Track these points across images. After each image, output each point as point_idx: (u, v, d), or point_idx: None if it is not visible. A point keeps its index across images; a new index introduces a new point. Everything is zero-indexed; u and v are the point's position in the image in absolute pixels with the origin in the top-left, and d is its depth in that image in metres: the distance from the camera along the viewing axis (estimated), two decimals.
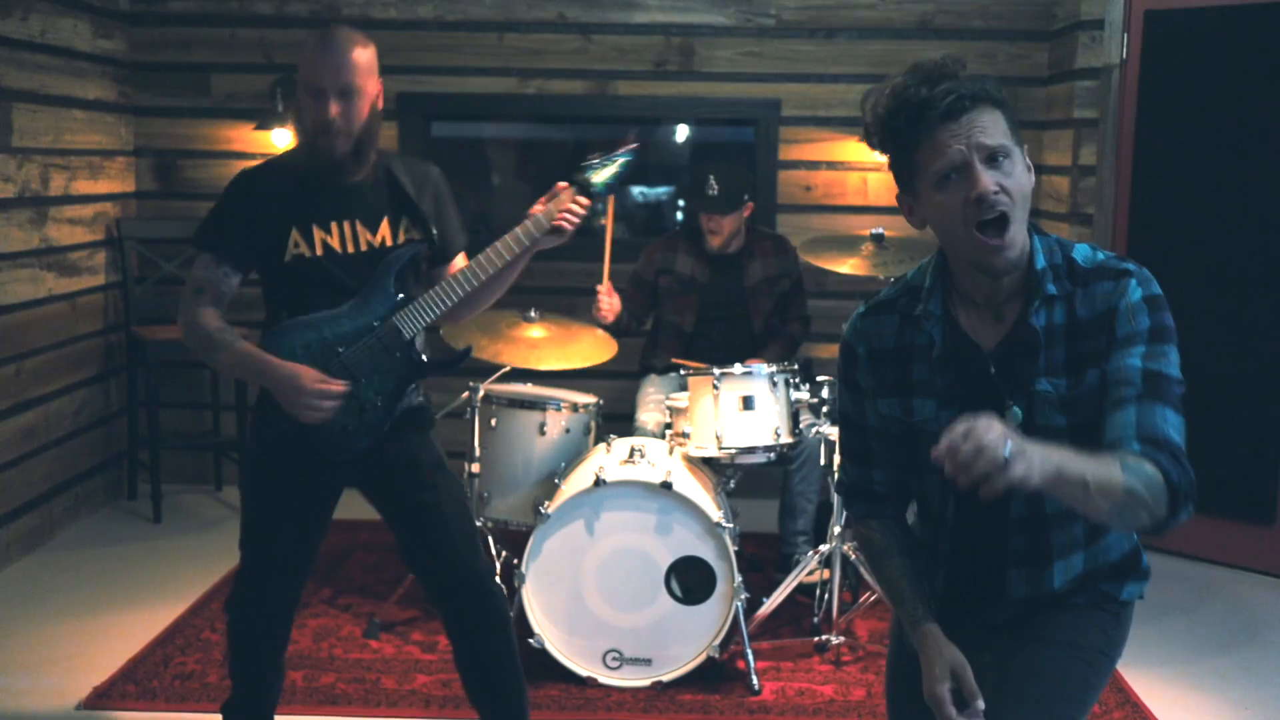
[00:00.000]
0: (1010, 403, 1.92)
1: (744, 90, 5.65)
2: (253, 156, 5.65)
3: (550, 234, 2.89)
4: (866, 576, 4.00)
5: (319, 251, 2.81)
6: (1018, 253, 1.89)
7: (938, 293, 2.02)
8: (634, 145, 2.95)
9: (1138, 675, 3.86)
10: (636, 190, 6.20)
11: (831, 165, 5.68)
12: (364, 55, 2.78)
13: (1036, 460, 1.67)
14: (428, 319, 2.84)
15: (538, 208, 2.91)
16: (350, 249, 2.83)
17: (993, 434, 1.64)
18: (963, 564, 2.09)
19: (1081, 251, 1.99)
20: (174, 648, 3.92)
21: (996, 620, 2.11)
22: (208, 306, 2.83)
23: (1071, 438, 1.88)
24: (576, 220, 2.89)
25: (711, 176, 4.60)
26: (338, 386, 2.75)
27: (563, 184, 2.92)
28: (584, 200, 2.90)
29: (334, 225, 2.82)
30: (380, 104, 2.86)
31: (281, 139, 5.55)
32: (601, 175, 2.92)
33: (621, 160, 2.96)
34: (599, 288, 4.51)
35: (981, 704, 1.89)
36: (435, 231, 2.91)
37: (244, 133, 5.64)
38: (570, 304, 5.59)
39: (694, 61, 5.64)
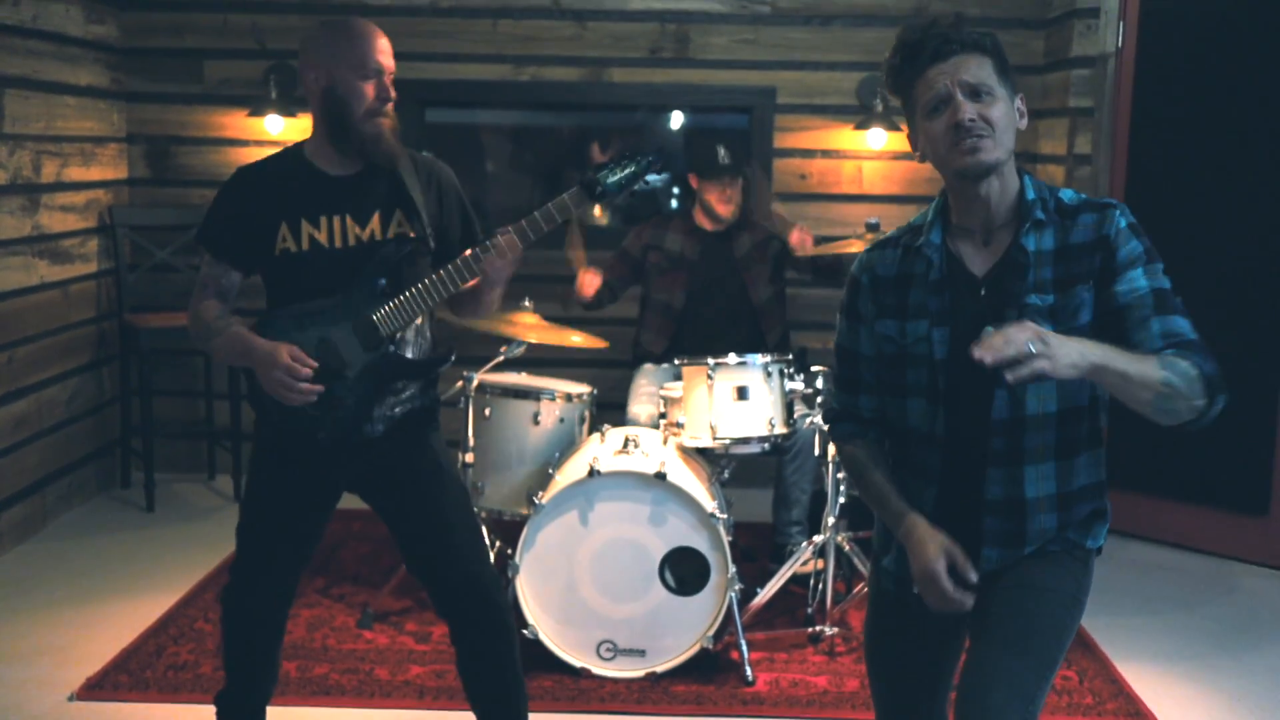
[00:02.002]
0: (989, 325, 2.04)
1: (739, 78, 5.63)
2: (245, 144, 5.64)
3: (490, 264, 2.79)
4: (860, 568, 4.00)
5: (305, 246, 2.80)
6: (993, 159, 2.12)
7: (937, 226, 2.25)
8: (655, 150, 2.83)
9: (1132, 667, 3.87)
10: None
11: (826, 153, 5.66)
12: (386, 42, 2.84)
13: (1065, 354, 1.91)
14: (407, 318, 2.80)
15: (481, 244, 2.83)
16: (339, 244, 2.80)
17: (1025, 332, 1.91)
18: (951, 479, 2.23)
19: (1066, 193, 2.24)
20: (167, 638, 3.92)
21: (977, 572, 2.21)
22: (209, 299, 2.87)
23: None
24: (507, 257, 2.78)
25: (720, 146, 4.61)
26: (308, 366, 2.72)
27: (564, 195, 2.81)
28: (514, 241, 2.77)
29: (323, 220, 2.80)
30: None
31: (275, 125, 5.52)
32: (615, 176, 2.81)
33: (639, 164, 2.81)
34: (580, 269, 4.60)
35: (974, 575, 2.12)
36: (430, 230, 2.86)
37: (237, 119, 5.62)
38: (565, 291, 5.57)
39: (689, 49, 5.61)
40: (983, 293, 2.19)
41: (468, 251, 2.81)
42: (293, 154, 2.89)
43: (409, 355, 2.87)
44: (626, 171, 2.80)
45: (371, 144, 2.78)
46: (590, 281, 4.63)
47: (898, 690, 2.44)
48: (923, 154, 2.22)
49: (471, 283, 2.87)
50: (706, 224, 4.77)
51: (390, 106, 2.79)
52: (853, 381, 2.36)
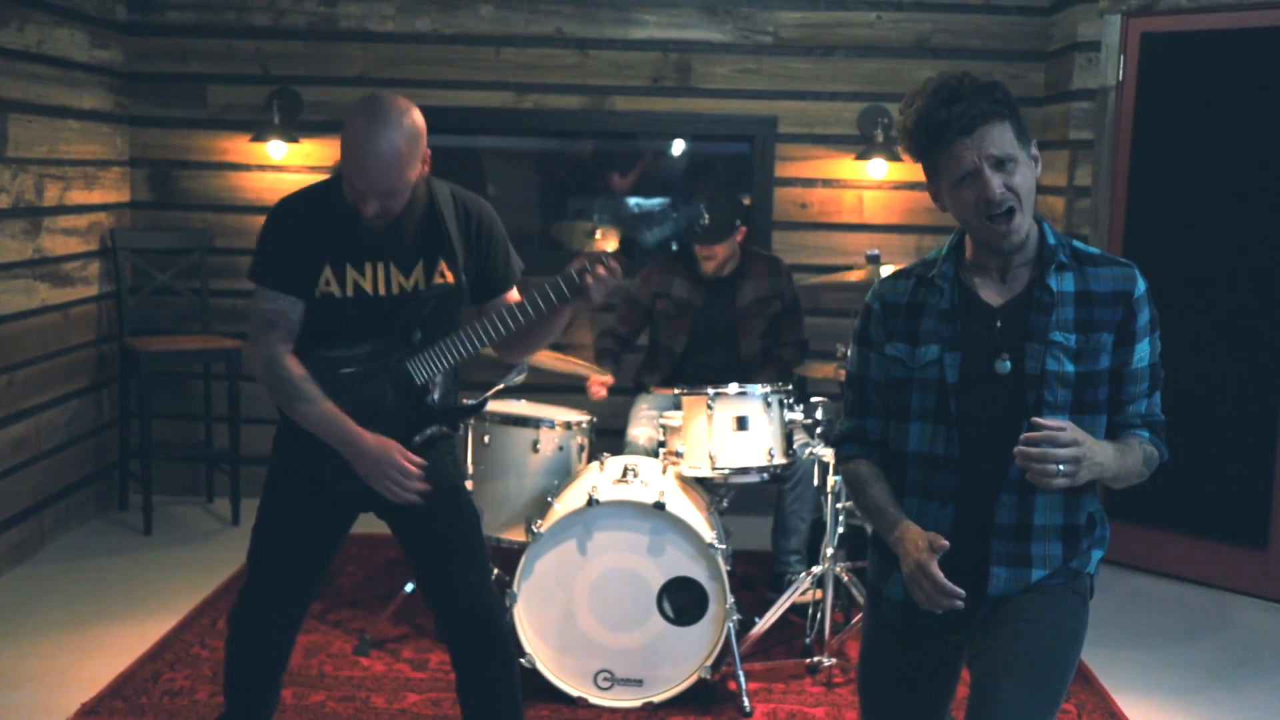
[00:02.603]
0: (1005, 354, 2.23)
1: (741, 107, 5.66)
2: (248, 168, 5.66)
3: (579, 297, 2.72)
4: (858, 599, 3.99)
5: (350, 292, 2.76)
6: (1023, 236, 2.23)
7: (951, 259, 2.33)
8: (698, 207, 2.77)
9: (1130, 700, 3.86)
10: (632, 202, 6.19)
11: (827, 183, 5.68)
12: (408, 148, 2.66)
13: (1086, 474, 2.11)
14: (441, 366, 2.79)
15: (573, 267, 2.72)
16: (382, 291, 2.77)
17: (1065, 450, 2.06)
18: (966, 501, 2.27)
19: (1079, 243, 2.34)
20: (163, 663, 3.90)
21: (979, 612, 2.27)
22: (285, 344, 2.77)
23: (1078, 385, 2.23)
24: (605, 285, 2.69)
25: (701, 206, 4.59)
26: (418, 467, 2.71)
27: (599, 249, 2.75)
28: (615, 266, 2.69)
29: (368, 266, 2.76)
30: (427, 170, 2.79)
31: (278, 151, 5.54)
32: (655, 233, 2.73)
33: (678, 222, 2.74)
34: (591, 377, 4.58)
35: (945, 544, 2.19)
36: (464, 275, 2.82)
37: (240, 144, 5.64)
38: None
39: (691, 78, 5.64)
40: (999, 324, 2.26)
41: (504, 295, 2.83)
42: (330, 192, 2.80)
43: (436, 396, 2.86)
44: (665, 230, 2.73)
45: (365, 222, 2.72)
46: (599, 387, 4.65)
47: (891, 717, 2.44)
48: (944, 208, 2.31)
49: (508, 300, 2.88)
50: (709, 270, 4.78)
51: (390, 215, 2.70)
52: (861, 405, 2.43)
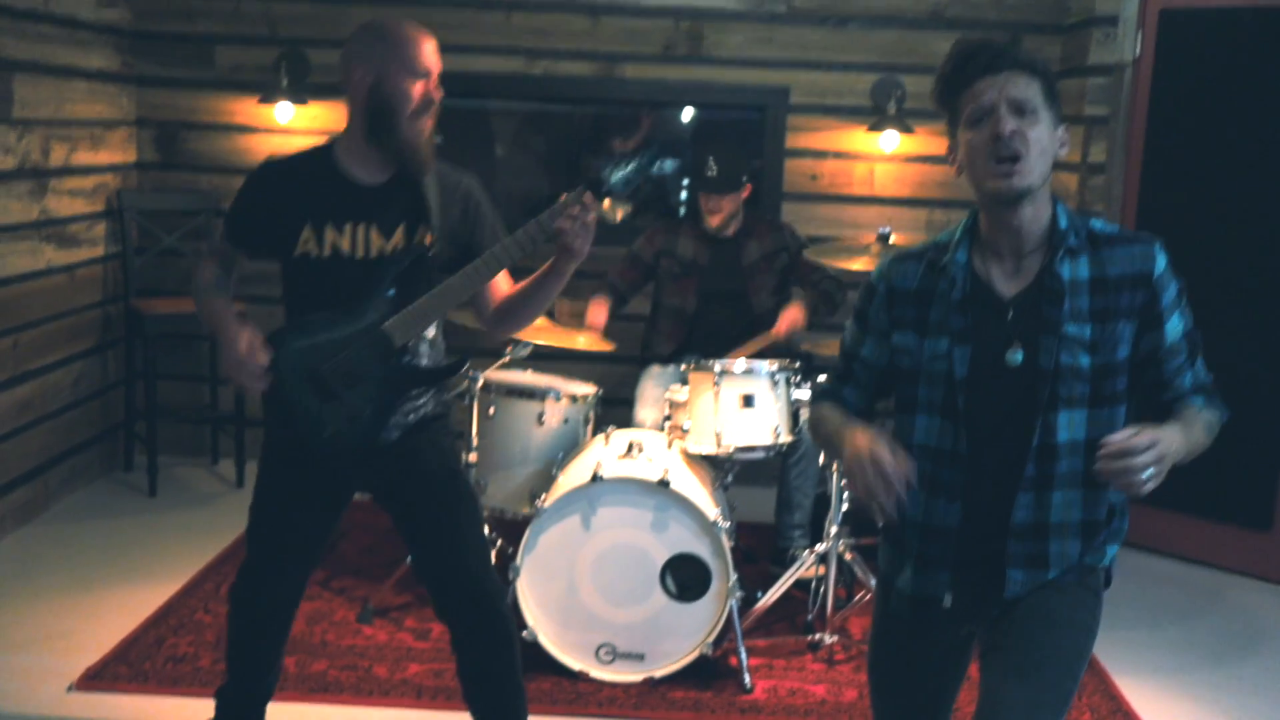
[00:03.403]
0: (1017, 344, 2.16)
1: (752, 76, 5.61)
2: (255, 130, 5.62)
3: (563, 250, 2.71)
4: (861, 576, 3.99)
5: (326, 252, 2.76)
6: (1026, 184, 2.12)
7: (964, 245, 2.25)
8: (656, 152, 2.78)
9: (1131, 683, 3.86)
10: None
11: (839, 155, 5.64)
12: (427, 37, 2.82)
13: (1166, 469, 2.04)
14: (420, 326, 2.77)
15: (548, 210, 2.74)
16: (360, 253, 2.76)
17: (1146, 456, 1.97)
18: (974, 497, 2.21)
19: (1096, 223, 2.25)
20: (167, 628, 3.92)
21: (992, 611, 2.25)
22: (213, 263, 2.95)
23: (1095, 378, 2.16)
24: (579, 225, 2.67)
25: (711, 157, 4.60)
26: (260, 359, 2.72)
27: (565, 195, 2.73)
28: (584, 204, 2.67)
29: (348, 227, 2.76)
30: None
31: (285, 113, 5.51)
32: (621, 171, 2.73)
33: (642, 158, 2.75)
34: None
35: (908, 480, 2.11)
36: (446, 245, 2.82)
37: (247, 106, 5.60)
38: (575, 286, 5.55)
39: (703, 46, 5.58)
40: (1010, 315, 2.19)
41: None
42: (322, 154, 2.84)
43: (423, 364, 2.85)
44: (630, 167, 2.73)
45: (410, 149, 2.74)
46: (598, 314, 4.72)
47: (900, 711, 2.43)
48: (959, 166, 2.23)
49: (505, 290, 2.88)
50: (712, 224, 4.77)
51: (434, 108, 2.76)
52: (845, 374, 2.40)
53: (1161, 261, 2.19)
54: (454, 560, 2.88)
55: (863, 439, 2.14)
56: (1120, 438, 1.99)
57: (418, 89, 2.72)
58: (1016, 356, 2.17)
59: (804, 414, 4.16)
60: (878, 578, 2.45)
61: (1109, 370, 2.18)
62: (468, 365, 2.96)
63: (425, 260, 2.80)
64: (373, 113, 2.73)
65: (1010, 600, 2.22)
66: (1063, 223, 2.21)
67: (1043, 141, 2.14)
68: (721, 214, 4.68)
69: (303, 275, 2.80)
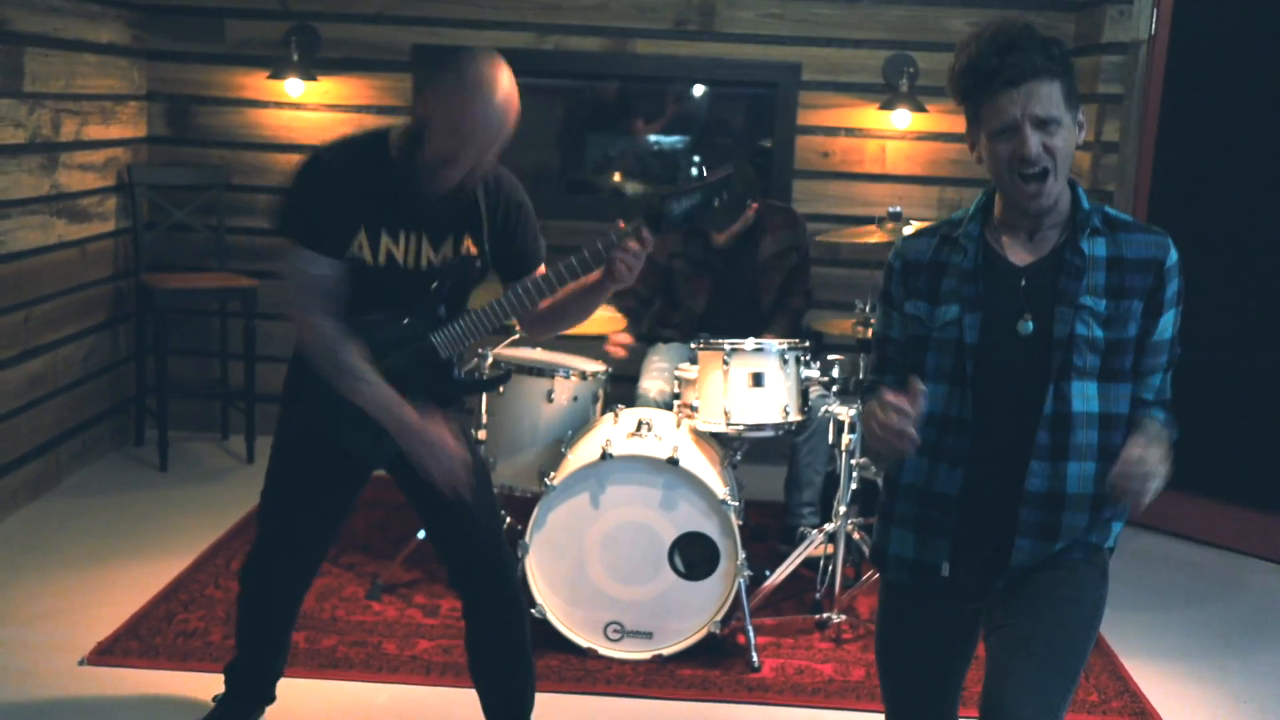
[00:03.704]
0: (1028, 314, 2.18)
1: (764, 53, 5.58)
2: (265, 105, 5.61)
3: (609, 276, 2.68)
4: (868, 555, 3.99)
5: (381, 260, 2.68)
6: (1052, 200, 2.17)
7: (978, 219, 2.28)
8: (727, 174, 2.72)
9: (1138, 664, 3.87)
10: (653, 139, 6.14)
11: (850, 132, 5.61)
12: (515, 108, 2.61)
13: (1162, 481, 2.07)
14: (466, 340, 2.76)
15: (600, 241, 2.69)
16: (411, 263, 2.71)
17: (1154, 479, 2.04)
18: (979, 464, 2.22)
19: (1110, 209, 2.28)
20: (177, 603, 3.94)
21: (995, 585, 2.25)
22: (332, 313, 2.67)
23: (1107, 352, 2.19)
24: (633, 259, 2.64)
25: (730, 172, 4.57)
26: (464, 453, 2.69)
27: (622, 223, 2.68)
28: (642, 239, 2.63)
29: (402, 236, 2.69)
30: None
31: (295, 88, 5.50)
32: (682, 205, 2.65)
33: (705, 195, 2.68)
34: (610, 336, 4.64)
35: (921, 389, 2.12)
36: (489, 251, 2.79)
37: (257, 81, 5.59)
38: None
39: (715, 22, 5.56)
40: (1022, 284, 2.21)
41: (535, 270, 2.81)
42: (376, 150, 2.68)
43: (460, 370, 2.86)
44: (693, 202, 2.66)
45: (426, 188, 2.64)
46: (618, 347, 4.69)
47: (909, 689, 2.43)
48: (979, 159, 2.25)
49: (544, 303, 2.85)
50: (719, 241, 4.76)
51: (485, 169, 2.66)
52: (881, 362, 2.40)
53: (1174, 255, 2.22)
54: (470, 532, 2.89)
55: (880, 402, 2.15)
56: (1136, 452, 2.05)
57: (455, 148, 2.57)
58: (1027, 326, 2.18)
59: (814, 392, 4.16)
60: (870, 553, 2.45)
61: (1120, 346, 2.20)
62: (510, 378, 2.95)
63: (471, 271, 2.78)
64: (410, 138, 2.65)
65: (1015, 572, 2.22)
66: (1085, 203, 2.24)
67: (1067, 147, 2.16)
68: (730, 235, 4.69)
69: (352, 278, 2.70)
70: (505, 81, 2.57)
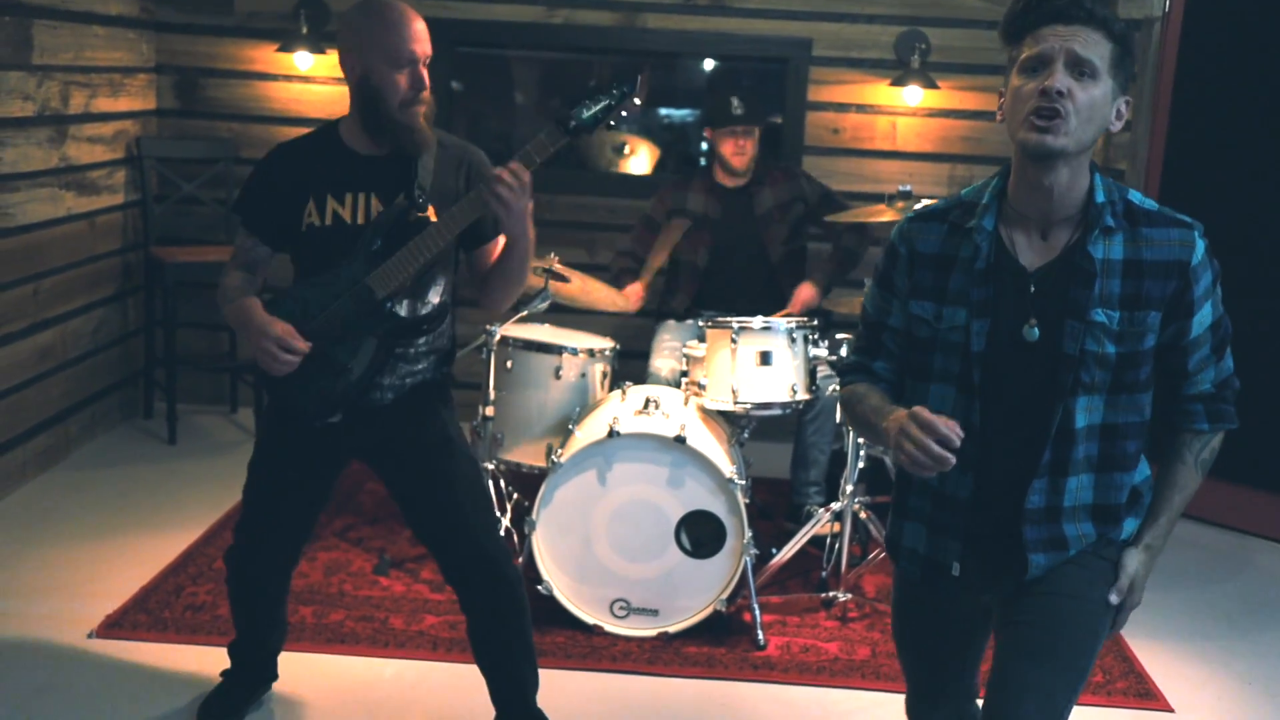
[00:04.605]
0: (1033, 321, 2.06)
1: (775, 28, 5.54)
2: (274, 78, 5.60)
3: (499, 207, 2.70)
4: (875, 535, 4.00)
5: (328, 221, 2.80)
6: (1060, 145, 1.98)
7: (993, 210, 2.12)
8: (631, 79, 2.74)
9: (1143, 645, 3.87)
10: (662, 111, 6.12)
11: (861, 108, 5.58)
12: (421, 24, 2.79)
13: (1144, 580, 2.20)
14: (400, 276, 2.76)
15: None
16: (361, 220, 2.80)
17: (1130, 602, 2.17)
18: (986, 470, 2.14)
19: (1135, 195, 2.12)
20: (186, 577, 3.96)
21: (1007, 585, 2.19)
22: (236, 269, 2.91)
23: (1118, 367, 2.08)
24: (507, 190, 2.65)
25: (734, 97, 4.60)
26: (300, 344, 2.74)
27: (499, 169, 2.72)
28: (516, 168, 2.67)
29: (348, 196, 2.80)
30: None
31: (304, 61, 5.48)
32: (590, 109, 2.73)
33: (613, 96, 2.73)
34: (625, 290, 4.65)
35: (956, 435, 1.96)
36: (428, 192, 2.82)
37: (266, 53, 5.57)
38: (589, 239, 5.56)
39: None
40: (1032, 289, 2.08)
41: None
42: (327, 132, 2.89)
43: (404, 309, 2.83)
44: (600, 105, 2.73)
45: (405, 134, 2.77)
46: (635, 299, 4.69)
47: (928, 667, 2.41)
48: (1003, 114, 2.09)
49: (494, 251, 2.88)
50: (726, 180, 4.78)
51: (425, 94, 2.76)
52: (873, 347, 2.28)
53: (1200, 250, 2.08)
54: (454, 525, 2.90)
55: (902, 411, 2.03)
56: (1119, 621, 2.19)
57: (402, 79, 2.72)
58: (1033, 332, 2.07)
59: (821, 371, 4.15)
60: (885, 542, 2.41)
61: (1133, 360, 2.09)
62: (450, 317, 2.96)
63: (405, 219, 2.79)
64: (364, 103, 2.77)
65: (1032, 579, 2.16)
66: (1099, 196, 2.07)
67: (1094, 107, 1.99)
68: (748, 155, 4.70)
69: (308, 246, 2.84)
70: (400, 6, 2.76)
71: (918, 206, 2.18)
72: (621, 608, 3.72)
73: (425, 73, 2.76)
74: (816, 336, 4.06)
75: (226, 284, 2.89)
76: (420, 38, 2.75)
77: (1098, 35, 1.99)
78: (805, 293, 4.64)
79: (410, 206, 2.79)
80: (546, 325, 4.44)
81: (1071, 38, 1.98)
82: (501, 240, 2.87)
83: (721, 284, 4.77)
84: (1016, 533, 2.14)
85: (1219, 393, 2.18)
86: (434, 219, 2.78)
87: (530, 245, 2.84)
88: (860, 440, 3.95)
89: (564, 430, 4.00)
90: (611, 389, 4.18)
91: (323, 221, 2.80)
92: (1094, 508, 2.15)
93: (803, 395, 3.97)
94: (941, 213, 2.19)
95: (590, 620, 3.72)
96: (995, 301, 2.10)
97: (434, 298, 2.88)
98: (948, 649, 2.38)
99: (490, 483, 4.04)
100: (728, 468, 3.67)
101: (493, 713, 3.10)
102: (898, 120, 5.58)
